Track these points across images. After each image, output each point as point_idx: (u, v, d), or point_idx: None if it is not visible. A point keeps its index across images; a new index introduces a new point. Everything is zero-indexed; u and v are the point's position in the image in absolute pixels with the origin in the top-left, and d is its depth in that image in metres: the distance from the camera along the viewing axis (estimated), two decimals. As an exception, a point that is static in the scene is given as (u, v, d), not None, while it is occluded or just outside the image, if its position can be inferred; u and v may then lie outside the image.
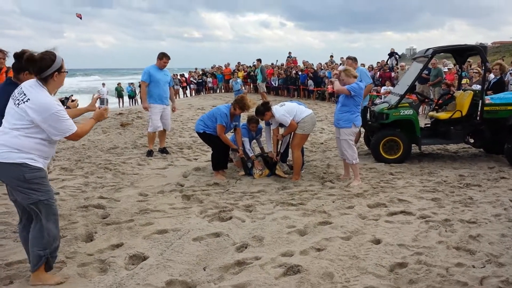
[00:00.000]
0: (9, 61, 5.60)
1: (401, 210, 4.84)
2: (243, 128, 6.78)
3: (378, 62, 19.98)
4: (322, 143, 9.37)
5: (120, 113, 14.48)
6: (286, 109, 6.11)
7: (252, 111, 6.48)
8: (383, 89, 15.79)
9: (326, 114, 14.50)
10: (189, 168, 7.01)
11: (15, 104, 3.02)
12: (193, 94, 27.01)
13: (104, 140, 9.73)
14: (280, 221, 4.47)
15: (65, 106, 3.36)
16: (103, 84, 26.49)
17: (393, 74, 17.31)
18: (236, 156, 6.75)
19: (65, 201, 5.25)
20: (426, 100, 9.77)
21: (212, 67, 28.36)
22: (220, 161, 6.54)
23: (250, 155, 6.59)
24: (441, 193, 5.52)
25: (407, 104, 7.42)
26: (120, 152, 8.39)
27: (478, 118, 7.19)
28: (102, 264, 3.58)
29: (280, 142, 6.51)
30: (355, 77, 5.97)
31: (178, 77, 26.81)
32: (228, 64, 26.93)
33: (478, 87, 8.51)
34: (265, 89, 19.65)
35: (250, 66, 25.71)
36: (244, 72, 25.10)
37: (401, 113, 7.28)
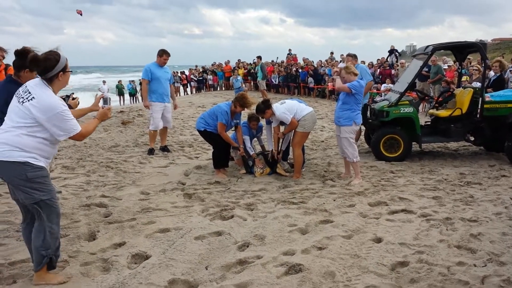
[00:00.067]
0: (8, 59, 5.60)
1: (402, 208, 4.86)
2: (244, 126, 6.79)
3: (378, 59, 19.96)
4: (322, 141, 9.38)
5: (121, 111, 14.48)
6: (287, 107, 6.11)
7: (252, 109, 6.49)
8: (383, 87, 15.78)
9: (326, 112, 14.50)
10: (190, 167, 7.03)
11: (19, 102, 3.03)
12: (194, 92, 27.01)
13: (105, 138, 9.74)
14: (281, 220, 4.48)
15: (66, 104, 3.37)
16: (104, 82, 26.51)
17: (393, 71, 17.29)
18: (237, 154, 6.77)
19: (67, 199, 5.27)
20: (426, 97, 9.78)
21: (212, 65, 28.34)
22: (221, 160, 6.55)
23: (251, 153, 6.61)
24: (442, 191, 5.53)
25: (407, 102, 7.42)
26: (121, 151, 8.40)
27: (478, 115, 7.20)
28: (104, 263, 3.60)
29: (281, 140, 6.52)
30: (356, 74, 5.97)
31: (179, 74, 26.81)
32: (228, 62, 26.92)
33: (478, 84, 8.51)
34: (265, 86, 19.65)
35: (250, 64, 25.70)
36: (245, 69, 25.10)
37: (401, 111, 7.29)
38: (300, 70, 21.65)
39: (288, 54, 26.14)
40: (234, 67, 25.82)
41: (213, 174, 6.48)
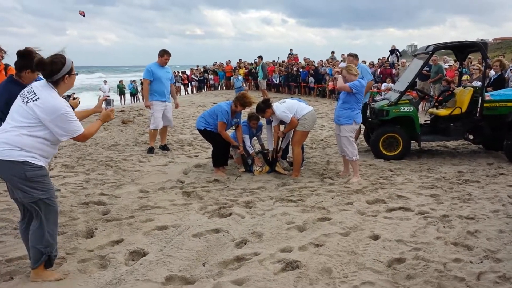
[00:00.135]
0: (7, 59, 5.62)
1: (399, 206, 4.87)
2: (244, 125, 6.80)
3: (379, 59, 19.95)
4: (322, 140, 9.38)
5: (121, 111, 14.51)
6: (287, 106, 6.12)
7: (252, 108, 6.50)
8: (383, 86, 15.78)
9: (326, 111, 14.51)
10: (189, 165, 7.04)
11: (23, 101, 3.05)
12: (195, 91, 27.03)
13: (105, 137, 9.76)
14: (279, 217, 4.49)
15: None
16: (105, 82, 26.56)
17: (393, 71, 17.28)
18: (237, 153, 6.78)
19: (66, 197, 5.29)
20: (426, 96, 9.78)
21: (213, 64, 28.37)
22: (220, 158, 6.56)
23: (251, 152, 6.61)
24: (439, 189, 5.54)
25: (407, 101, 7.42)
26: (121, 149, 8.42)
27: (477, 114, 7.20)
28: (102, 260, 3.61)
29: (280, 139, 6.53)
30: (357, 74, 5.98)
31: (180, 74, 26.83)
32: (229, 61, 26.94)
33: (479, 83, 8.51)
34: (266, 86, 19.66)
35: (251, 63, 25.71)
36: (245, 69, 25.12)
37: (401, 110, 7.30)
38: (301, 70, 21.66)
39: (289, 54, 26.16)
40: (235, 67, 25.83)
41: (212, 173, 6.50)
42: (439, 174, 6.30)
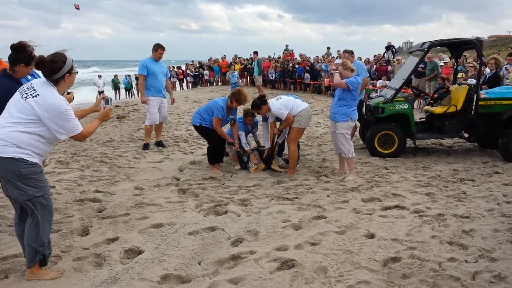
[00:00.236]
0: (0, 54, 5.55)
1: (395, 204, 4.88)
2: (239, 122, 6.79)
3: (374, 56, 19.96)
4: (317, 137, 9.39)
5: (116, 106, 14.42)
6: (282, 103, 6.11)
7: (248, 105, 6.48)
8: (379, 83, 15.79)
9: (322, 108, 14.50)
10: (185, 162, 7.02)
11: (22, 97, 3.02)
12: (190, 87, 26.94)
13: (100, 133, 9.70)
14: (275, 216, 4.50)
15: None
16: (99, 76, 26.38)
17: (389, 67, 17.29)
18: (232, 150, 6.77)
19: (61, 194, 5.26)
20: (422, 94, 9.79)
21: (209, 60, 28.26)
22: (216, 155, 6.55)
23: (246, 149, 6.60)
24: (435, 187, 5.56)
25: (403, 98, 7.43)
26: (116, 145, 8.38)
27: (473, 112, 7.22)
28: (97, 258, 3.60)
29: (276, 136, 6.52)
30: (353, 70, 5.98)
31: (175, 69, 26.71)
32: (225, 57, 26.85)
33: (474, 81, 8.53)
34: (261, 82, 19.62)
35: (247, 59, 25.64)
36: (241, 65, 25.04)
37: (396, 107, 7.31)
38: (296, 66, 21.62)
39: (285, 49, 26.09)
40: (230, 63, 25.75)
41: (208, 170, 6.48)
42: (434, 172, 6.32)
